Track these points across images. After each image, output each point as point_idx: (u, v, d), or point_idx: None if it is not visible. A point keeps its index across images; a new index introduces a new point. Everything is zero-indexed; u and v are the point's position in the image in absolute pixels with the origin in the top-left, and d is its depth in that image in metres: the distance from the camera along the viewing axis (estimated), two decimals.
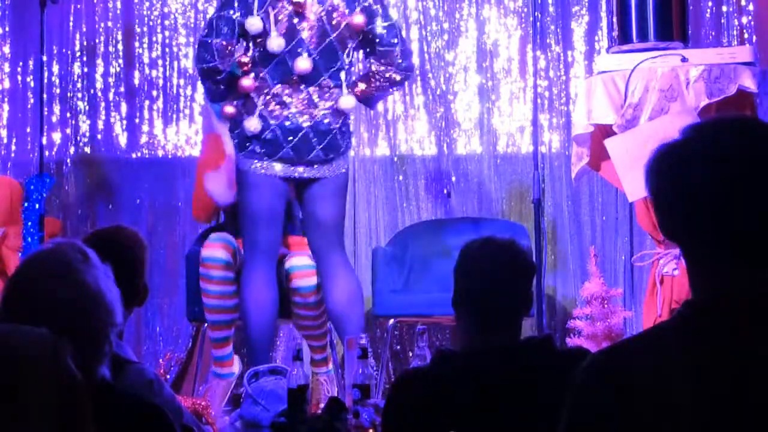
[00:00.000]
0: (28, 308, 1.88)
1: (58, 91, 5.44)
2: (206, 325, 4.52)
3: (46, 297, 1.89)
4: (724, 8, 5.21)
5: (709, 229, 1.54)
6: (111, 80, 5.47)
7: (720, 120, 1.61)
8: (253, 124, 4.06)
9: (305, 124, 4.07)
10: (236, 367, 4.55)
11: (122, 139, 5.47)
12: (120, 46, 5.48)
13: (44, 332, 1.49)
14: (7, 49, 5.45)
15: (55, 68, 5.44)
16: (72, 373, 1.46)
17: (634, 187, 4.07)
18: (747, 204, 1.52)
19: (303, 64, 4.05)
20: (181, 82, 5.47)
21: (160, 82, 5.49)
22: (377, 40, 4.08)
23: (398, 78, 4.14)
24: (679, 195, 1.56)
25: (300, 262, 4.45)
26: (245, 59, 4.07)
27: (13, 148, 5.43)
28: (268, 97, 4.07)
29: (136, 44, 5.48)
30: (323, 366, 4.56)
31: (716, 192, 1.52)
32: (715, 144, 1.55)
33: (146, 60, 5.49)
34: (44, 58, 4.75)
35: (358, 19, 4.05)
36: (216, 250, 4.38)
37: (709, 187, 1.53)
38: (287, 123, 4.06)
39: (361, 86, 4.13)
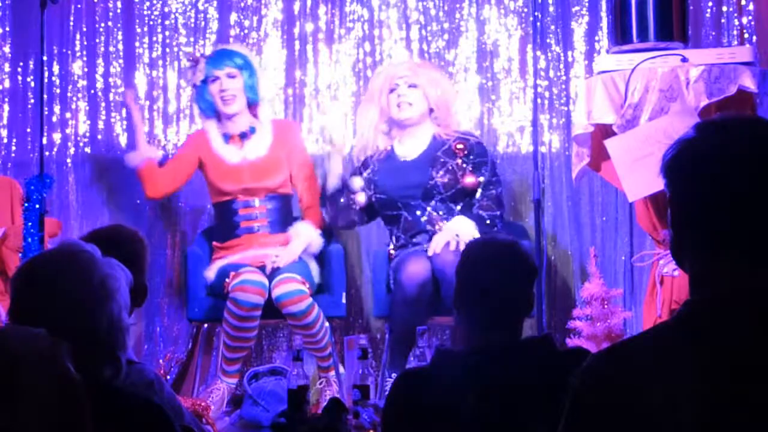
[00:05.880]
0: (35, 308, 1.88)
1: (58, 91, 5.44)
2: (222, 345, 4.55)
3: (53, 297, 1.89)
4: (724, 8, 5.20)
5: (716, 227, 1.54)
6: (111, 80, 5.47)
7: (734, 118, 1.62)
8: None
9: None
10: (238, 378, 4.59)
11: (122, 139, 5.47)
12: (120, 46, 5.48)
13: (42, 333, 1.49)
14: (7, 49, 5.45)
15: (55, 68, 5.43)
16: (70, 374, 1.46)
17: (634, 187, 4.07)
18: (757, 203, 1.53)
19: None
20: (182, 82, 5.47)
21: (160, 82, 5.49)
22: None
23: None
24: (691, 191, 1.56)
25: (288, 288, 4.45)
26: None
27: (13, 148, 5.42)
28: None
29: (137, 44, 5.48)
30: (326, 372, 4.57)
31: (728, 190, 1.53)
32: (730, 143, 1.56)
33: (146, 60, 5.49)
34: (44, 58, 4.75)
35: None
36: (251, 295, 4.43)
37: (721, 185, 1.54)
38: None
39: None
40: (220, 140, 4.83)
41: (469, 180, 4.61)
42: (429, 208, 4.60)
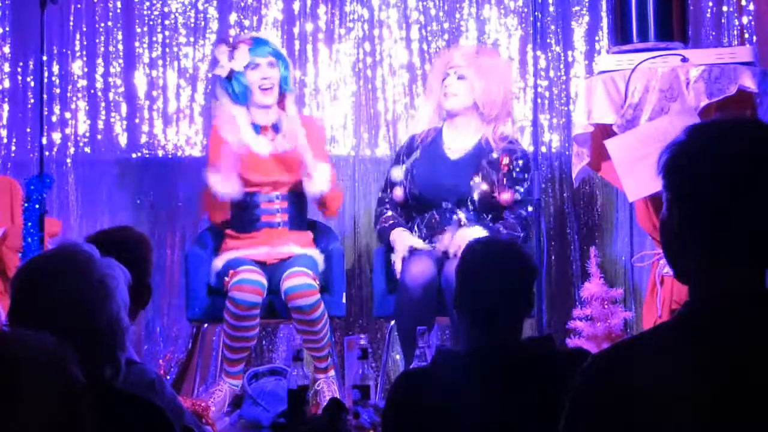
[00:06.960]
0: (35, 309, 1.88)
1: (58, 91, 5.44)
2: (222, 346, 4.55)
3: (53, 297, 1.89)
4: (724, 8, 5.21)
5: (714, 229, 1.54)
6: (111, 80, 5.47)
7: (734, 119, 1.62)
8: None
9: None
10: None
11: (122, 139, 5.47)
12: (120, 46, 5.48)
13: (48, 338, 1.48)
14: (7, 49, 5.45)
15: (55, 68, 5.43)
16: (76, 380, 1.46)
17: (634, 187, 4.07)
18: (753, 204, 1.53)
19: None
20: (182, 82, 5.47)
21: (160, 82, 5.49)
22: None
23: None
24: (691, 192, 1.56)
25: (299, 281, 4.43)
26: None
27: (13, 148, 5.42)
28: None
29: (136, 44, 5.48)
30: (324, 372, 4.56)
31: (728, 191, 1.53)
32: (729, 144, 1.56)
33: (146, 60, 5.49)
34: (44, 58, 4.74)
35: None
36: (248, 294, 4.42)
37: (721, 185, 1.54)
38: None
39: None
40: (250, 131, 4.72)
41: (505, 196, 4.57)
42: (460, 213, 4.57)
